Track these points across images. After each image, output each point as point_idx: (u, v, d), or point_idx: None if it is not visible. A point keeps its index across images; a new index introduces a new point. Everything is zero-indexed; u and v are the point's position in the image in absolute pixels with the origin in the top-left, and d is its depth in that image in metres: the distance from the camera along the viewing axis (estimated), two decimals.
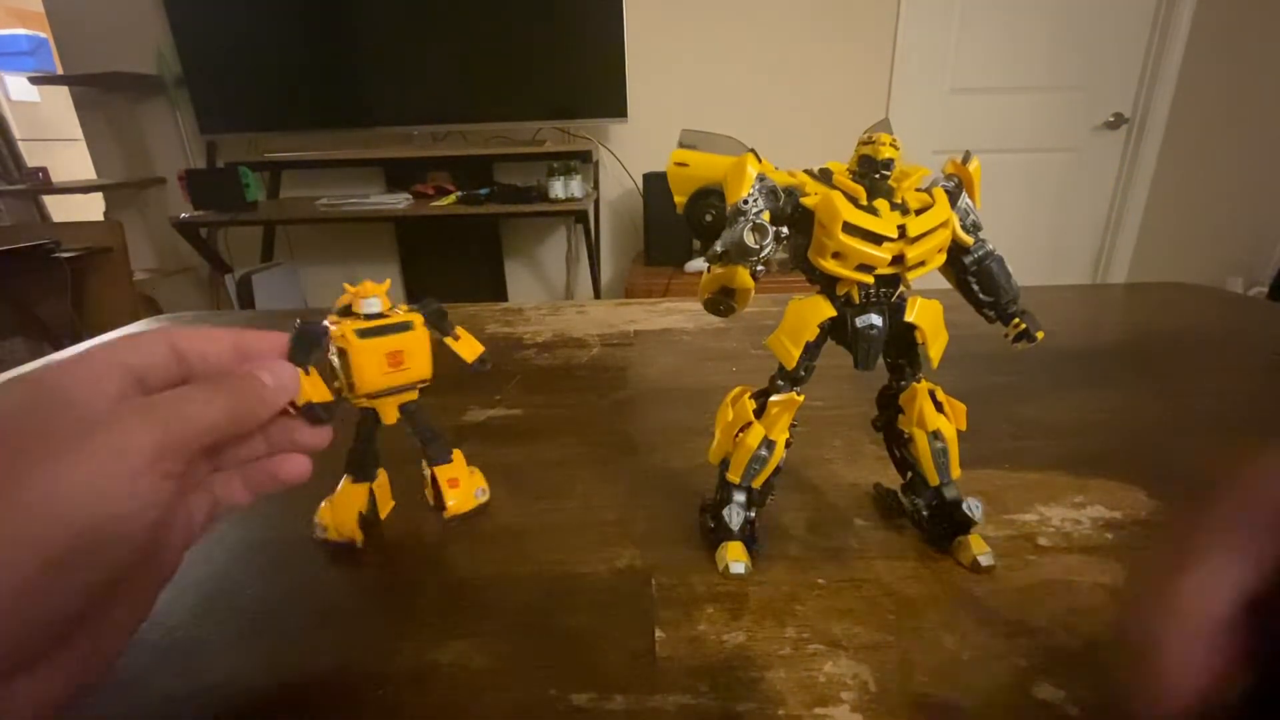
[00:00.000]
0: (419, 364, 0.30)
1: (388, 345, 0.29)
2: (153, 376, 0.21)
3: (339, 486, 0.32)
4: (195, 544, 0.23)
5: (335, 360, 0.28)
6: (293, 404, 0.24)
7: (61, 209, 2.77)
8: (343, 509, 0.31)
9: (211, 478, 0.24)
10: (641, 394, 0.50)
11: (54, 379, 0.19)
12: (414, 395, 0.32)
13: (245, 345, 0.24)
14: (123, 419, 0.18)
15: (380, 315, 0.29)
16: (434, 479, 0.33)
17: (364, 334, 0.28)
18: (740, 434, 0.29)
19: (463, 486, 0.33)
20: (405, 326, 0.29)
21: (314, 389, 0.26)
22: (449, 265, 2.46)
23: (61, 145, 3.10)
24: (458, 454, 0.34)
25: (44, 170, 2.44)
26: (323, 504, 0.31)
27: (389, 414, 0.31)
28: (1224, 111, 2.23)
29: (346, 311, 0.29)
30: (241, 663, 0.25)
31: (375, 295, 0.29)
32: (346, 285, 0.29)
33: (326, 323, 0.28)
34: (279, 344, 0.25)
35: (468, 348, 0.32)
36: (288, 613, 0.28)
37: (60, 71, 2.31)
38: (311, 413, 0.25)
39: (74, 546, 0.16)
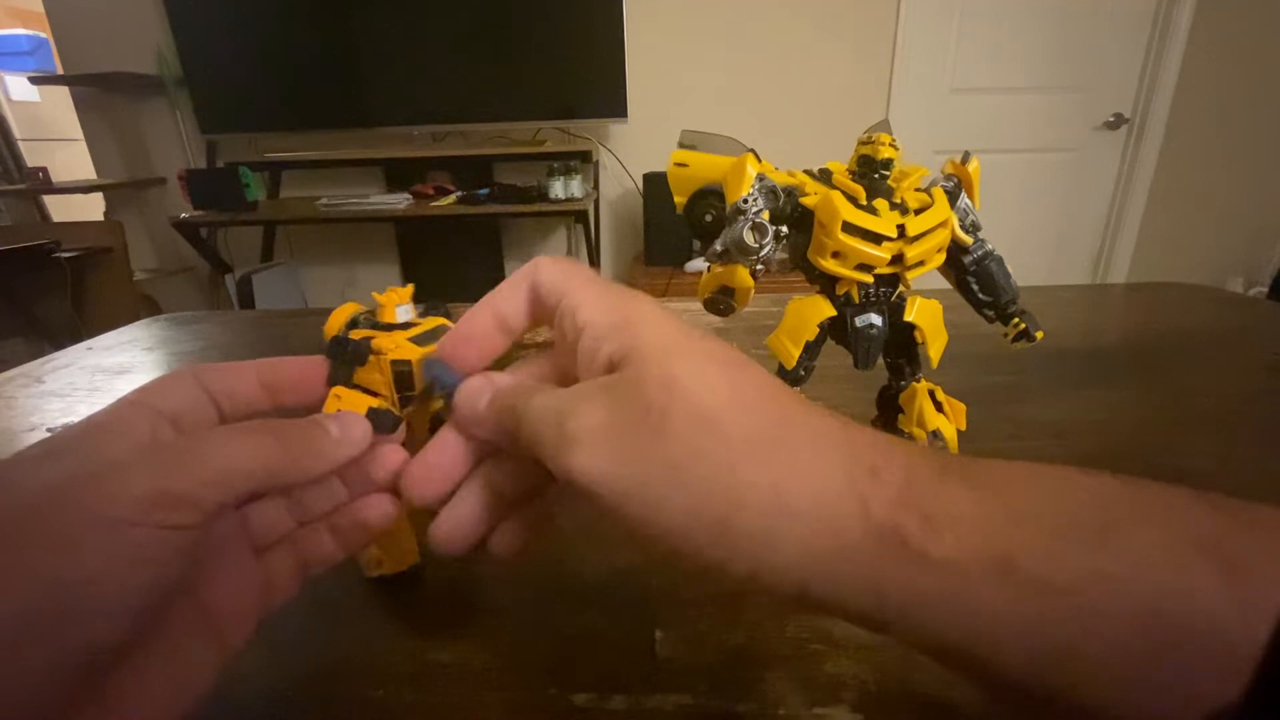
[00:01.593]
0: None
1: None
2: (187, 420, 0.19)
3: None
4: (275, 608, 0.21)
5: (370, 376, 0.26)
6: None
7: (61, 209, 2.77)
8: (392, 540, 0.28)
9: (296, 534, 0.21)
10: None
11: (79, 430, 0.17)
12: (442, 403, 0.31)
13: (271, 375, 0.22)
14: (120, 465, 0.16)
15: (410, 324, 0.27)
16: None
17: (419, 341, 0.26)
18: None
19: None
20: (445, 330, 0.29)
21: (361, 400, 0.24)
22: (449, 265, 2.46)
23: (61, 145, 3.10)
24: None
25: (44, 170, 2.45)
26: None
27: (422, 426, 0.29)
28: (1224, 111, 2.23)
29: (355, 324, 0.27)
30: (242, 664, 0.25)
31: (408, 302, 0.27)
32: (375, 294, 0.27)
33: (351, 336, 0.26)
34: (306, 370, 0.23)
35: None
36: (287, 613, 0.28)
37: (60, 71, 2.31)
38: (380, 419, 0.23)
39: (32, 617, 0.14)
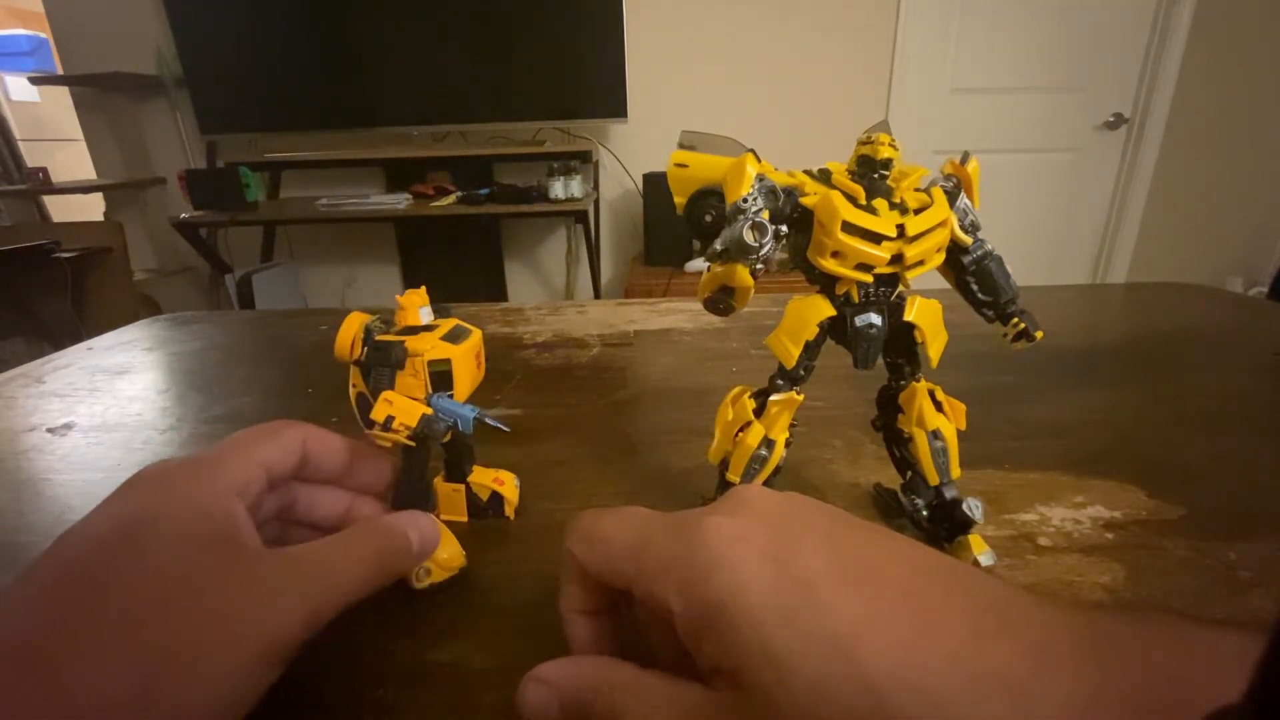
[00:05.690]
0: (483, 365, 0.29)
1: (473, 348, 0.28)
2: (278, 467, 0.24)
3: None
4: None
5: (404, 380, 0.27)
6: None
7: (61, 209, 2.77)
8: (439, 548, 0.28)
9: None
10: (641, 394, 0.50)
11: (200, 476, 0.21)
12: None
13: (354, 458, 0.27)
14: (278, 588, 0.20)
15: (432, 325, 0.27)
16: (470, 489, 0.32)
17: (452, 340, 0.27)
18: (740, 433, 0.29)
19: (509, 484, 0.32)
20: (468, 330, 0.28)
21: (413, 408, 0.25)
22: (449, 265, 2.46)
23: (61, 145, 3.11)
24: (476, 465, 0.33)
25: (44, 170, 2.45)
26: None
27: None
28: (1224, 111, 2.23)
29: (369, 332, 0.27)
30: None
31: (427, 304, 0.27)
32: (398, 298, 0.27)
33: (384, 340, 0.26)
34: (382, 471, 0.28)
35: None
36: None
37: (60, 71, 2.32)
38: (432, 428, 0.25)
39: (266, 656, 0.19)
